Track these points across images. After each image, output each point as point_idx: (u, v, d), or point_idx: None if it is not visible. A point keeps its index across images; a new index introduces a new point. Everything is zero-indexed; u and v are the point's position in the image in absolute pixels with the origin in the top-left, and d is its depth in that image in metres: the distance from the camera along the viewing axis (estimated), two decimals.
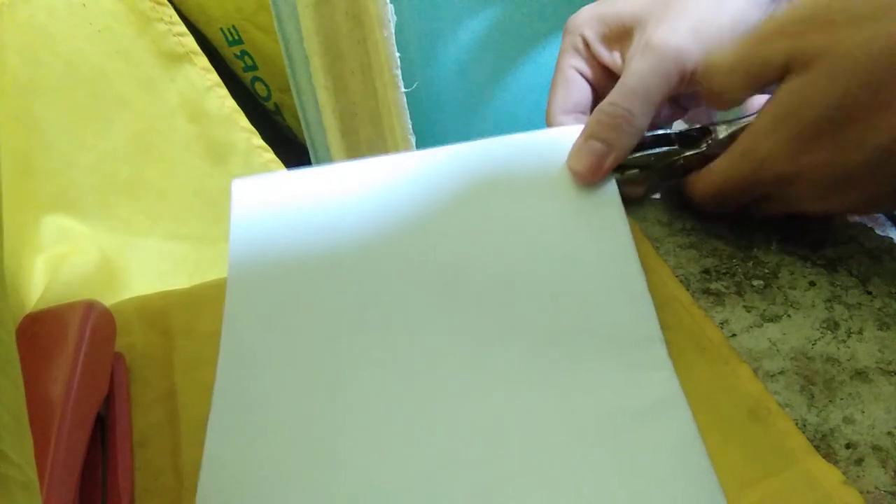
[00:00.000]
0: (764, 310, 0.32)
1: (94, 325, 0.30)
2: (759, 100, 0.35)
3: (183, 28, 0.48)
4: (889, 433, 0.27)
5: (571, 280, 0.32)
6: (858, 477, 0.26)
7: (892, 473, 0.26)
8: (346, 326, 0.31)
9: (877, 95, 0.28)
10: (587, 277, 0.32)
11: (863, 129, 0.29)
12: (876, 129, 0.28)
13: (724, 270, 0.34)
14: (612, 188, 0.34)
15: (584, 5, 0.40)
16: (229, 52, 0.62)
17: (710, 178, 0.34)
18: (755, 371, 0.29)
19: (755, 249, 0.35)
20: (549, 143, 0.36)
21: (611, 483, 0.26)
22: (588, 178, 0.34)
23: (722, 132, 0.35)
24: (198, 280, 0.37)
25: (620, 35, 0.38)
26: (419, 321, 0.31)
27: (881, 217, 0.36)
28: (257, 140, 0.49)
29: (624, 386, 0.29)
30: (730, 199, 0.34)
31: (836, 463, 0.26)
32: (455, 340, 0.31)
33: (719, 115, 0.41)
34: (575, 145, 0.35)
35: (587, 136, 0.34)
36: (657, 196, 0.38)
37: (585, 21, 0.39)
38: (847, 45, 0.28)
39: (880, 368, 0.29)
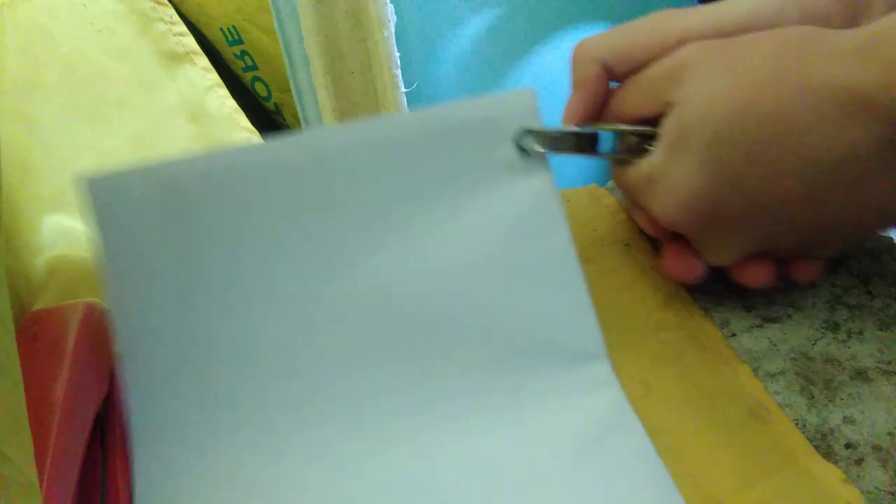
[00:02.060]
0: (764, 310, 0.32)
1: (94, 325, 0.30)
2: None
3: (183, 28, 0.48)
4: (889, 433, 0.27)
5: (505, 291, 0.30)
6: (858, 477, 0.26)
7: (892, 473, 0.26)
8: (259, 366, 0.29)
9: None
10: (523, 287, 0.30)
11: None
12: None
13: (724, 270, 0.34)
14: (545, 181, 0.30)
15: (584, 5, 0.40)
16: (229, 52, 0.62)
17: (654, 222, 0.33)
18: (755, 371, 0.29)
19: None
20: (485, 119, 0.30)
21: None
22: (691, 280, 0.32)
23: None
24: None
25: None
26: (339, 356, 0.29)
27: None
28: (257, 140, 0.49)
29: (569, 409, 0.28)
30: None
31: (836, 463, 0.26)
32: (384, 376, 0.29)
33: None
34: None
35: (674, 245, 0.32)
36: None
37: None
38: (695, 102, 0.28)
39: (880, 368, 0.29)
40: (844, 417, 0.28)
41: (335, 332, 0.29)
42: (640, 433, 0.27)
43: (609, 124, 0.32)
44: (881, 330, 0.31)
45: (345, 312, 0.29)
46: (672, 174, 0.29)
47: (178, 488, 0.27)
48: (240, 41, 0.61)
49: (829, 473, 0.26)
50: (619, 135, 0.32)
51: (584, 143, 0.32)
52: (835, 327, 0.31)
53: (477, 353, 0.29)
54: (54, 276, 0.38)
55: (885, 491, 0.25)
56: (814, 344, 0.30)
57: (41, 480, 0.22)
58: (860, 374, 0.29)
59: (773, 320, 0.31)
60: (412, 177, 0.30)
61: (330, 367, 0.29)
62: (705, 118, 0.28)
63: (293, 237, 0.29)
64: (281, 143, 0.30)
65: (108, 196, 0.29)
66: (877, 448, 0.27)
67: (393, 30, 0.45)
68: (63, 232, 0.42)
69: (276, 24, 0.47)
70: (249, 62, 0.63)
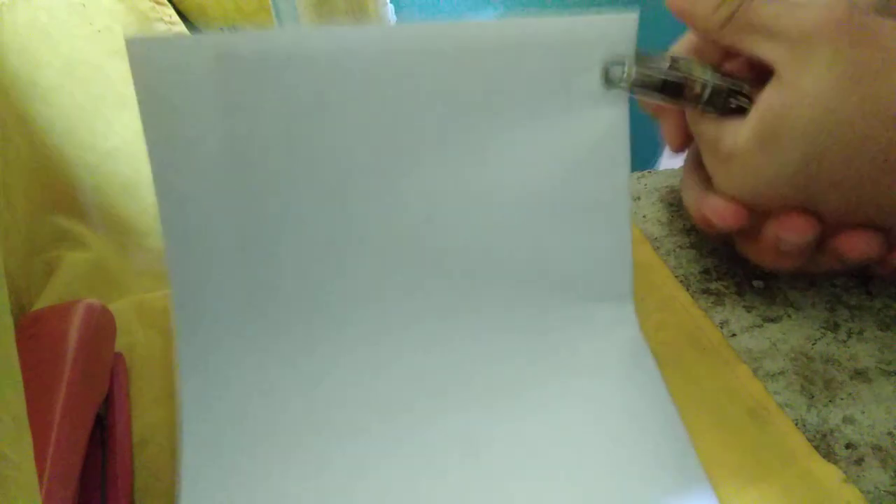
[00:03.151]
0: (764, 310, 0.32)
1: (94, 325, 0.30)
2: None
3: (183, 28, 0.49)
4: (889, 433, 0.27)
5: (553, 220, 0.29)
6: (858, 477, 0.26)
7: (892, 473, 0.26)
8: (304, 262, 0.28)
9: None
10: (571, 219, 0.29)
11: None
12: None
13: (724, 270, 0.34)
14: (620, 118, 0.29)
15: (584, 6, 0.40)
16: None
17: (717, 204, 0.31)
18: (755, 371, 0.29)
19: None
20: (578, 41, 0.28)
21: (588, 446, 0.26)
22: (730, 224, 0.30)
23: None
24: None
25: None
26: (378, 265, 0.28)
27: None
28: None
29: (588, 341, 0.28)
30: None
31: (836, 463, 0.26)
32: (421, 287, 0.29)
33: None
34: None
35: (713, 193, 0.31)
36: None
37: None
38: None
39: (880, 368, 0.29)
40: (844, 417, 0.28)
41: (380, 238, 0.28)
42: (653, 371, 0.27)
43: (702, 70, 0.30)
44: (881, 330, 0.31)
45: (393, 218, 0.28)
46: (758, 156, 0.28)
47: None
48: None
49: (829, 473, 0.26)
50: (710, 86, 0.29)
51: (670, 86, 0.30)
52: (835, 327, 0.31)
53: (511, 277, 0.29)
54: (54, 276, 0.38)
55: (885, 491, 0.25)
56: (814, 344, 0.30)
57: (41, 480, 0.22)
58: (860, 374, 0.29)
59: (773, 320, 0.31)
60: (491, 88, 0.28)
61: (367, 275, 0.29)
62: (810, 131, 0.26)
63: (356, 132, 0.28)
64: (360, 32, 0.27)
65: (154, 60, 0.26)
66: (877, 448, 0.27)
67: None
68: (63, 232, 0.42)
69: (276, 24, 0.47)
70: None
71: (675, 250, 0.35)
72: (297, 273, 0.28)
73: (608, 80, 0.29)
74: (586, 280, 0.29)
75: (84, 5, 0.45)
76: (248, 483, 0.26)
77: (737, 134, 0.29)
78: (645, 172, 0.41)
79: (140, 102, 0.27)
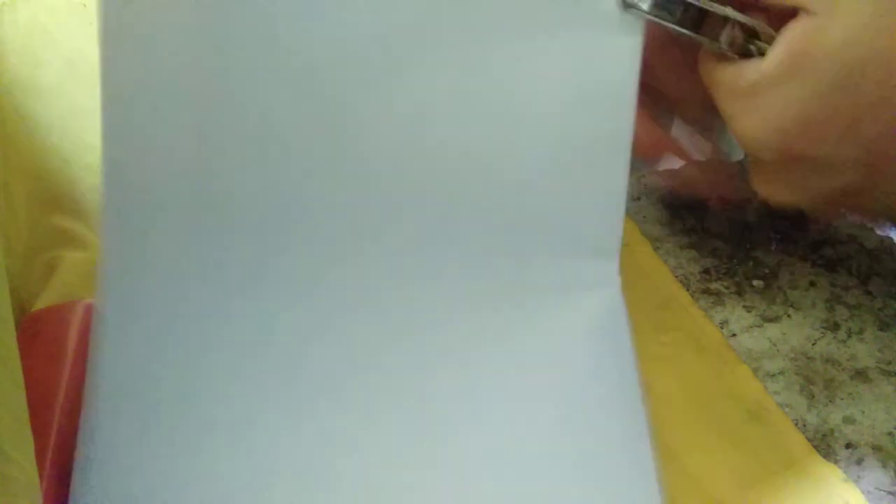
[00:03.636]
0: (764, 310, 0.32)
1: None
2: None
3: None
4: (889, 433, 0.27)
5: (546, 155, 0.27)
6: (858, 477, 0.26)
7: (892, 473, 0.26)
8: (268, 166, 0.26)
9: None
10: (565, 158, 0.27)
11: None
12: None
13: (724, 270, 0.34)
14: (633, 48, 0.27)
15: None
16: None
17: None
18: (755, 371, 0.29)
19: (755, 249, 0.34)
20: None
21: (541, 404, 0.25)
22: None
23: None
24: None
25: None
26: (358, 180, 0.26)
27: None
28: None
29: (565, 301, 0.27)
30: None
31: (836, 463, 0.26)
32: (398, 210, 0.27)
33: None
34: None
35: None
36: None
37: None
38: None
39: (880, 368, 0.29)
40: (844, 417, 0.28)
41: (359, 144, 0.26)
42: (625, 337, 0.26)
43: (722, 7, 0.28)
44: (881, 330, 0.31)
45: (376, 124, 0.26)
46: (782, 94, 0.26)
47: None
48: None
49: (829, 473, 0.26)
50: (729, 22, 0.27)
51: (690, 16, 0.27)
52: (835, 327, 0.31)
53: (493, 212, 0.27)
54: (54, 276, 0.38)
55: (885, 491, 0.25)
56: (814, 344, 0.30)
57: (41, 479, 0.22)
58: (860, 374, 0.29)
59: (773, 320, 0.31)
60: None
61: (337, 187, 0.26)
62: (846, 49, 0.24)
63: (343, 27, 0.25)
64: None
65: None
66: (877, 448, 0.27)
67: None
68: (63, 232, 0.42)
69: None
70: None
71: (674, 250, 0.35)
72: (257, 182, 0.26)
73: (626, 3, 0.27)
74: (572, 229, 0.27)
75: (85, 5, 0.45)
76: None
77: (760, 65, 0.27)
78: (645, 172, 0.41)
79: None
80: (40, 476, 0.22)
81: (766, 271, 0.33)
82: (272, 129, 0.26)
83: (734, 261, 0.34)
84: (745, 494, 0.25)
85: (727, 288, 0.33)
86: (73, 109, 0.45)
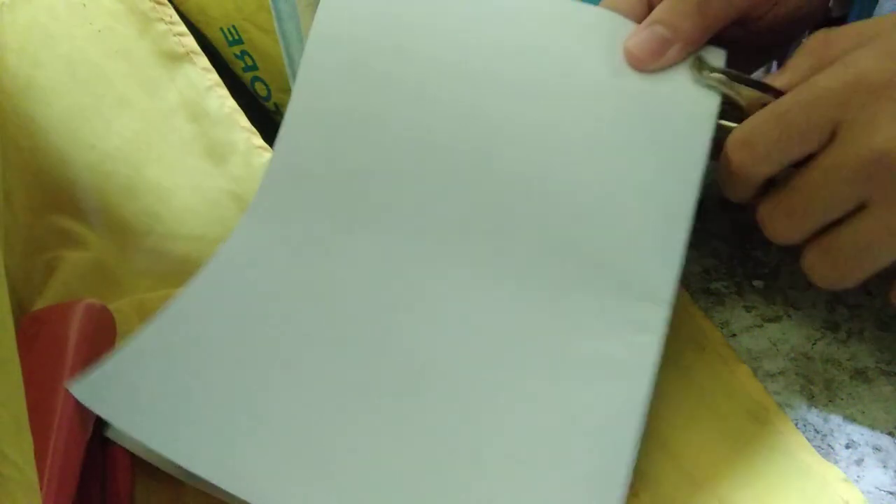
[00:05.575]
0: (764, 310, 0.32)
1: (94, 325, 0.30)
2: None
3: (183, 28, 0.48)
4: (889, 433, 0.27)
5: (607, 197, 0.29)
6: (858, 477, 0.26)
7: (892, 473, 0.26)
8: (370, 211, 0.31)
9: None
10: (629, 204, 0.29)
11: None
12: None
13: (724, 270, 0.34)
14: (709, 109, 0.29)
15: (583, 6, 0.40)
16: (229, 52, 0.62)
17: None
18: (755, 371, 0.29)
19: (755, 249, 0.34)
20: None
21: (532, 417, 0.26)
22: (645, 62, 0.30)
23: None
24: None
25: None
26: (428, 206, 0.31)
27: None
28: (257, 140, 0.49)
29: (603, 336, 0.28)
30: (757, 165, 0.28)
31: (836, 463, 0.26)
32: (458, 236, 0.30)
33: None
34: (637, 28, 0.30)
35: (651, 20, 0.30)
36: None
37: None
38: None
39: (880, 368, 0.29)
40: (844, 417, 0.28)
41: (448, 149, 0.31)
42: (642, 392, 0.26)
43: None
44: (881, 330, 0.31)
45: (464, 129, 0.30)
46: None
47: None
48: (240, 41, 0.61)
49: (829, 473, 0.26)
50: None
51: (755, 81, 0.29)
52: (835, 327, 0.31)
53: (549, 239, 0.29)
54: (54, 276, 0.38)
55: (885, 491, 0.25)
56: (814, 344, 0.30)
57: (41, 480, 0.22)
58: (860, 374, 0.29)
59: (773, 320, 0.31)
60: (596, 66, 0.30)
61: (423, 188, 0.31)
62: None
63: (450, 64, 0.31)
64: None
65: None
66: (877, 448, 0.27)
67: None
68: (63, 232, 0.42)
69: (276, 24, 0.47)
70: (249, 62, 0.63)
71: None
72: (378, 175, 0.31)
73: (700, 67, 0.29)
74: (625, 273, 0.28)
75: (84, 5, 0.45)
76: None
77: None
78: None
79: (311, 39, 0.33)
80: (40, 477, 0.22)
81: (766, 271, 0.33)
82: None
83: (734, 261, 0.34)
84: (745, 494, 0.25)
85: (727, 288, 0.33)
86: (73, 109, 0.45)
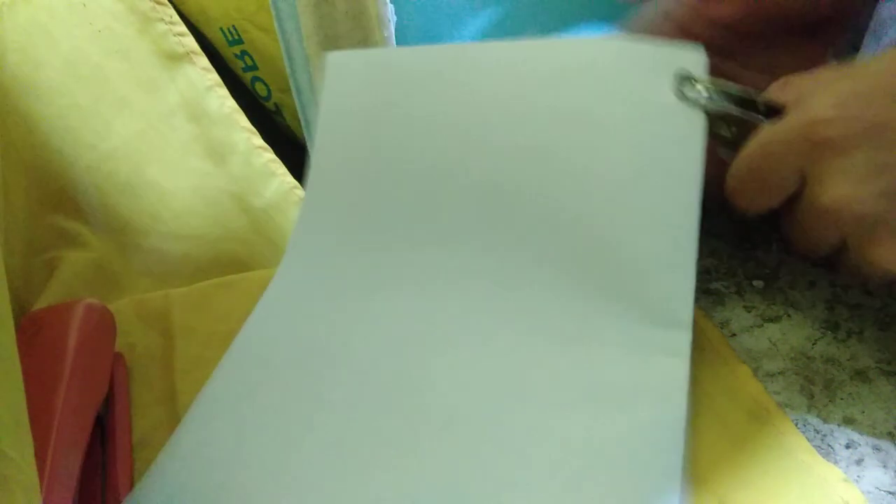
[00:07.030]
0: (764, 310, 0.32)
1: (94, 325, 0.30)
2: None
3: (183, 28, 0.48)
4: (889, 433, 0.27)
5: (620, 227, 0.30)
6: (858, 477, 0.26)
7: (892, 473, 0.26)
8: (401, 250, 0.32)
9: None
10: (634, 230, 0.30)
11: None
12: None
13: (724, 270, 0.34)
14: (696, 132, 0.29)
15: (584, 6, 0.40)
16: (229, 52, 0.62)
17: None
18: (755, 371, 0.29)
19: (755, 249, 0.35)
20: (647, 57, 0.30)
21: (572, 451, 0.26)
22: None
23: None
24: (198, 280, 0.37)
25: None
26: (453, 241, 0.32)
27: None
28: (257, 140, 0.49)
29: (631, 362, 0.28)
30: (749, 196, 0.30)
31: (836, 463, 0.26)
32: (478, 265, 0.31)
33: None
34: None
35: None
36: None
37: None
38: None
39: (880, 368, 0.29)
40: (844, 417, 0.28)
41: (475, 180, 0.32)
42: (679, 414, 0.26)
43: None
44: (881, 330, 0.31)
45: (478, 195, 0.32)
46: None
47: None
48: (240, 41, 0.61)
49: (829, 473, 0.26)
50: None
51: (745, 99, 0.29)
52: (835, 327, 0.31)
53: (562, 263, 0.30)
54: (54, 276, 0.38)
55: (884, 491, 0.25)
56: (814, 344, 0.30)
57: (41, 480, 0.22)
58: (860, 374, 0.29)
59: (773, 320, 0.31)
60: (586, 97, 0.31)
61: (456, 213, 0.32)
62: None
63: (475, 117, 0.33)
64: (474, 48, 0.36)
65: (339, 66, 0.36)
66: (877, 448, 0.27)
67: (393, 30, 0.45)
68: (63, 232, 0.42)
69: (276, 24, 0.47)
70: (249, 62, 0.63)
71: None
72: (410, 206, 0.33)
73: (683, 91, 0.29)
74: (641, 300, 0.29)
75: (84, 5, 0.45)
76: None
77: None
78: None
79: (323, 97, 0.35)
80: (40, 477, 0.22)
81: (766, 271, 0.33)
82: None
83: (734, 261, 0.34)
84: (745, 494, 0.25)
85: (727, 288, 0.33)
86: (73, 109, 0.45)
